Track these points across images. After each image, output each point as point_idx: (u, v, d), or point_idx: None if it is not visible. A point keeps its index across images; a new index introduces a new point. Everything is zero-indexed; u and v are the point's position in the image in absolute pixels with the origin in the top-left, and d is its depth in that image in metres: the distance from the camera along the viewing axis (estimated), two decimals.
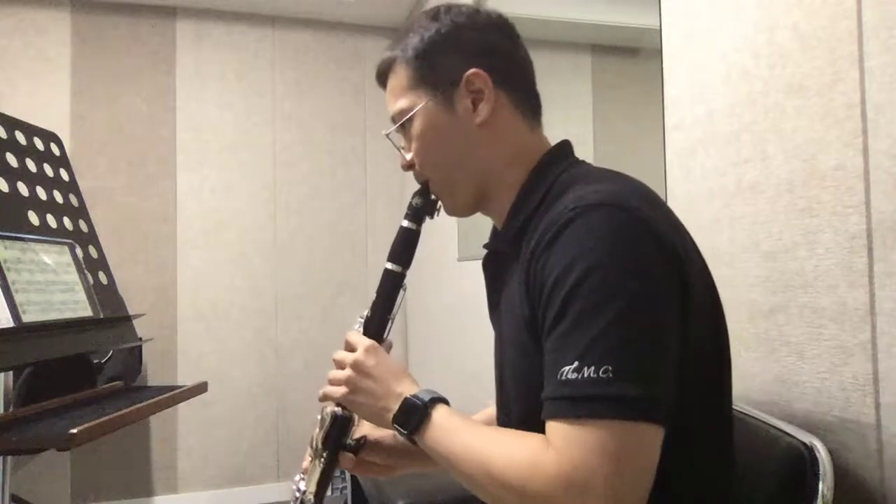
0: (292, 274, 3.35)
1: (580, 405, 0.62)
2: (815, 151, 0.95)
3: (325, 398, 0.87)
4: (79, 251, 2.15)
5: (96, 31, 3.11)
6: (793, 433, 0.85)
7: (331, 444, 0.89)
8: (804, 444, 0.82)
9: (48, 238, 2.06)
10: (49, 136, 2.47)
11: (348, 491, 2.57)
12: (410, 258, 0.90)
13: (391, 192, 3.56)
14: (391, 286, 0.89)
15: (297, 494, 0.90)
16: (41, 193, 2.21)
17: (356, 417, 0.90)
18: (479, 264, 0.92)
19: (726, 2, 1.15)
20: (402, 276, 0.89)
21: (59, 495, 2.89)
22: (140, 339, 2.35)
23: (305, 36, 3.44)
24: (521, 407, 0.77)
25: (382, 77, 0.90)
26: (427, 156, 0.86)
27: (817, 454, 0.80)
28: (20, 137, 2.26)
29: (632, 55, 1.47)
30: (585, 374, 0.62)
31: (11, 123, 2.25)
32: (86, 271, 2.13)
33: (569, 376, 0.62)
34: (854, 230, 0.89)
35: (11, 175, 2.09)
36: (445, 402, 0.78)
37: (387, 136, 0.92)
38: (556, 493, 0.61)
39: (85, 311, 2.02)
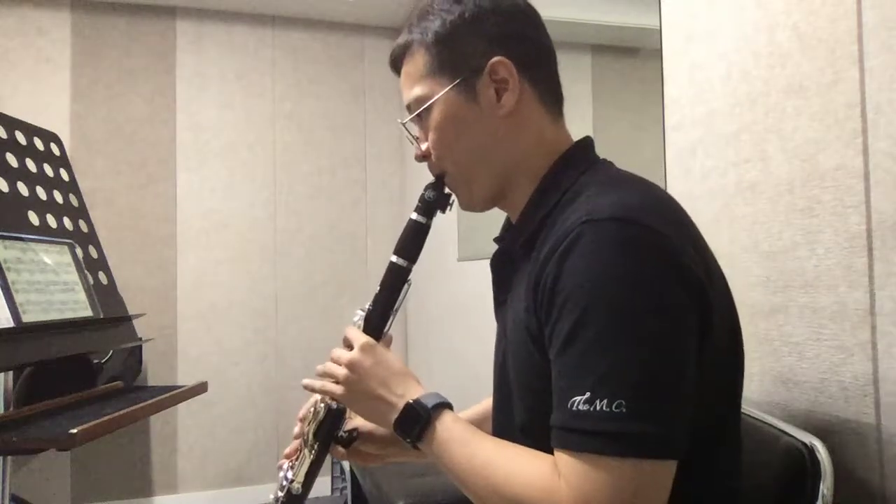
0: (292, 274, 3.35)
1: (593, 440, 0.59)
2: (815, 151, 0.95)
3: (320, 392, 0.85)
4: (79, 251, 2.15)
5: (96, 31, 3.11)
6: (793, 433, 0.85)
7: (322, 436, 0.88)
8: (804, 444, 0.82)
9: (48, 238, 2.06)
10: (49, 136, 2.47)
11: (348, 491, 2.57)
12: (417, 253, 0.86)
13: (391, 192, 3.56)
14: (395, 280, 0.85)
15: (285, 483, 0.89)
16: (41, 193, 2.21)
17: (348, 409, 0.88)
18: (479, 264, 0.92)
19: (726, 2, 1.14)
20: (407, 270, 0.85)
21: (59, 495, 2.88)
22: (140, 339, 2.35)
23: (305, 36, 3.44)
24: (523, 414, 0.75)
25: (397, 62, 0.85)
26: (446, 148, 0.81)
27: (817, 454, 0.80)
28: (20, 137, 2.26)
29: (632, 55, 1.47)
30: (598, 407, 0.59)
31: (11, 123, 2.25)
32: (86, 271, 2.13)
33: (580, 407, 0.60)
34: (854, 230, 0.89)
35: (11, 175, 2.09)
36: (449, 406, 0.76)
37: (402, 125, 0.86)
38: None
39: (85, 311, 2.02)
